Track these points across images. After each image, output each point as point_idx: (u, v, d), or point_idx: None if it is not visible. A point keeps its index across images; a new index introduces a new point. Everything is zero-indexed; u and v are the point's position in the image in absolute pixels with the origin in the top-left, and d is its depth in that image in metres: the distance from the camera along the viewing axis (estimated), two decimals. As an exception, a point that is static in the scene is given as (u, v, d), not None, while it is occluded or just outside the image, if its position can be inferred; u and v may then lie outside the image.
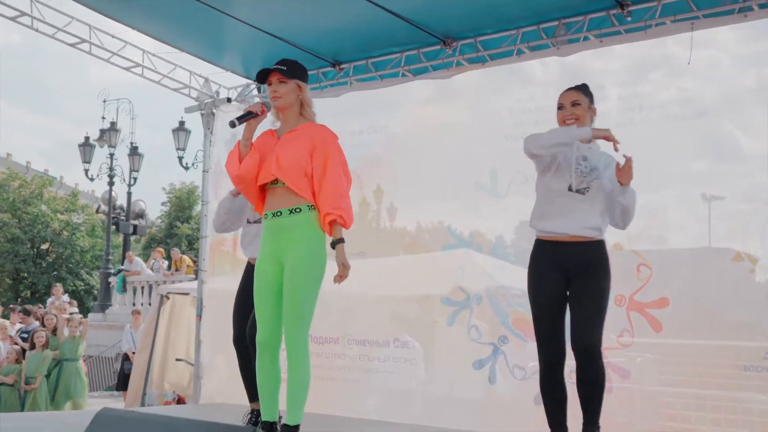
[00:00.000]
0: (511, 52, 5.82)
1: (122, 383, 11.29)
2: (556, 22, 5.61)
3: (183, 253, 18.40)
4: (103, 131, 20.13)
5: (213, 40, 6.73)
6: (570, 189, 3.81)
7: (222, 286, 6.88)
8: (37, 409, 9.14)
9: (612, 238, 4.61)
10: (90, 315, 17.67)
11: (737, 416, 4.88)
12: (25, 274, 27.79)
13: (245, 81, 7.26)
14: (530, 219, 3.95)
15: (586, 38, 5.53)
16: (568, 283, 3.79)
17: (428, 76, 6.27)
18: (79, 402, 9.63)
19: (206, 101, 7.35)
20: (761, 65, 5.17)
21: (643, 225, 5.28)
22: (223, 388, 6.93)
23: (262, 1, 5.93)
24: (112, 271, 18.67)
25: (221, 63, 7.06)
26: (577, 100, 3.90)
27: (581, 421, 3.75)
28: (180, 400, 9.58)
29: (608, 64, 5.76)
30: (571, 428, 3.86)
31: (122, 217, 20.41)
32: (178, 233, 29.65)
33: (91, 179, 20.10)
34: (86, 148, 20.07)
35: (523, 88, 6.03)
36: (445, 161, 6.15)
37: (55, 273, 27.64)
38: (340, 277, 3.58)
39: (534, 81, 6.06)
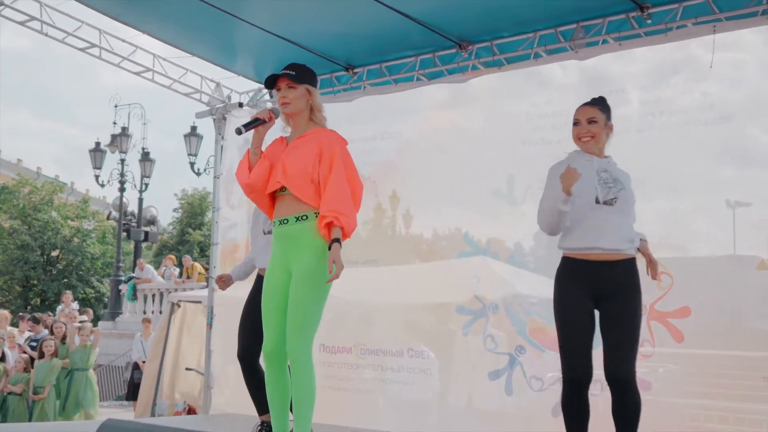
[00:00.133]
0: (529, 56, 5.83)
1: (132, 393, 11.35)
2: (574, 25, 5.62)
3: (195, 260, 18.44)
4: (114, 136, 20.27)
5: (225, 44, 6.79)
6: (597, 201, 3.74)
7: (234, 294, 6.85)
8: (45, 419, 9.20)
9: (631, 246, 4.58)
10: (100, 323, 17.76)
11: (762, 429, 4.84)
12: (35, 282, 27.98)
13: (257, 86, 7.31)
14: (558, 241, 3.88)
15: (605, 41, 5.53)
16: (598, 303, 3.73)
17: (443, 81, 6.29)
18: (89, 412, 9.68)
19: (218, 106, 7.41)
20: (788, 68, 5.15)
21: (665, 233, 5.27)
22: (234, 399, 6.95)
23: (274, 4, 5.96)
24: (123, 278, 18.78)
25: (233, 67, 7.12)
26: (594, 117, 3.88)
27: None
28: (191, 411, 9.61)
29: (629, 68, 5.74)
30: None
31: (133, 224, 20.53)
32: (190, 240, 29.81)
33: (102, 185, 20.26)
34: (97, 153, 20.22)
35: (541, 91, 6.03)
36: (460, 167, 6.16)
37: (65, 280, 27.81)
38: (332, 276, 3.45)
39: (552, 85, 6.05)
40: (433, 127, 6.55)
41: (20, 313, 14.95)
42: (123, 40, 6.80)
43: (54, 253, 28.36)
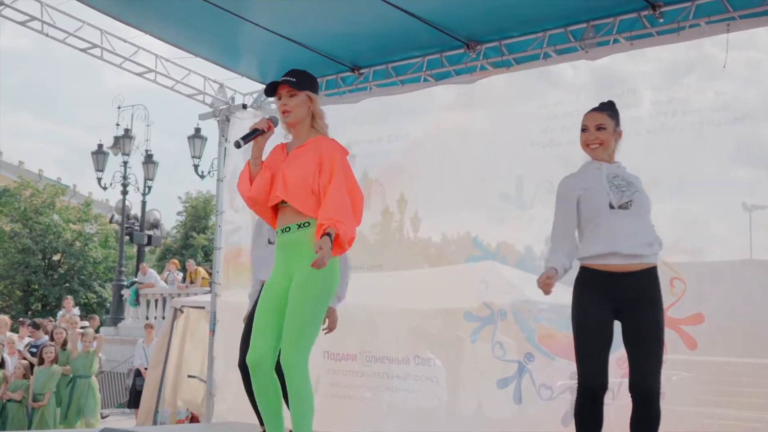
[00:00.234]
0: (538, 56, 5.83)
1: (134, 400, 11.38)
2: (584, 25, 5.62)
3: (199, 264, 18.47)
4: (117, 138, 20.32)
5: (228, 45, 6.81)
6: (612, 206, 3.73)
7: (238, 300, 6.92)
8: (45, 427, 9.23)
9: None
10: (102, 329, 17.80)
11: (778, 439, 4.84)
12: (36, 286, 28.11)
13: (261, 87, 7.32)
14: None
15: (616, 41, 5.53)
16: (618, 314, 3.71)
17: (451, 81, 6.30)
18: (90, 421, 9.71)
19: (221, 108, 7.43)
20: (805, 67, 5.14)
21: (678, 236, 5.26)
22: (236, 406, 6.95)
23: (278, 4, 5.98)
24: (125, 283, 18.82)
25: (236, 68, 7.14)
26: (603, 124, 3.87)
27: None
28: (194, 419, 9.64)
29: (641, 67, 5.74)
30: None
31: (136, 228, 20.56)
32: (194, 244, 29.87)
33: (104, 188, 20.29)
34: (99, 155, 20.26)
35: (551, 92, 6.03)
36: (468, 169, 6.17)
37: (66, 285, 27.92)
38: (315, 262, 3.38)
39: (563, 85, 6.05)
40: (440, 129, 6.56)
41: (20, 319, 15.00)
42: (125, 41, 6.84)
43: (55, 257, 28.48)
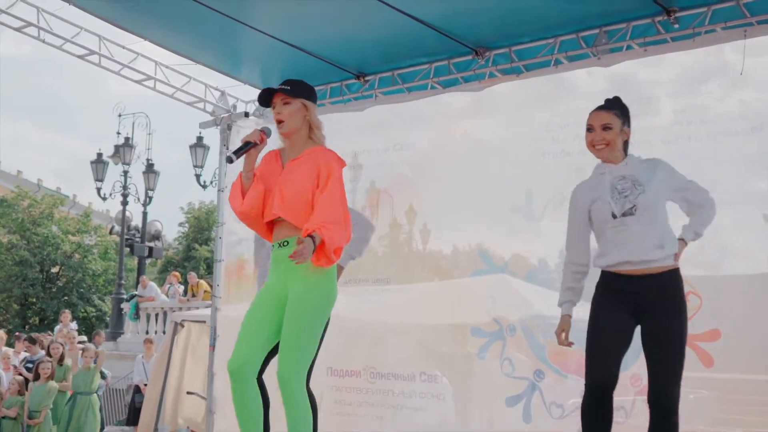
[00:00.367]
0: (549, 63, 5.84)
1: (133, 417, 11.38)
2: (596, 30, 5.62)
3: (201, 277, 18.50)
4: (117, 147, 20.39)
5: (230, 51, 6.84)
6: (614, 216, 3.75)
7: (239, 314, 6.87)
8: (42, 444, 9.28)
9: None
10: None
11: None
12: (34, 300, 28.20)
13: (264, 94, 7.34)
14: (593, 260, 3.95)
15: (629, 47, 5.54)
16: (639, 318, 3.72)
17: (459, 89, 6.31)
18: (90, 439, 9.75)
19: (222, 116, 7.45)
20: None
21: (694, 249, 5.21)
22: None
23: (281, 9, 6.00)
24: (125, 296, 18.86)
25: (238, 75, 7.17)
26: (609, 123, 3.84)
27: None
28: (194, 437, 9.64)
29: (659, 74, 5.74)
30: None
31: (137, 239, 20.60)
32: (196, 256, 29.94)
33: (104, 198, 20.35)
34: (99, 165, 20.32)
35: (563, 100, 6.04)
36: (477, 180, 6.17)
37: (65, 298, 28.01)
38: (294, 253, 3.37)
39: (575, 93, 6.05)
40: (448, 138, 6.57)
41: (17, 333, 15.05)
42: (123, 47, 6.87)
43: (54, 270, 28.58)
